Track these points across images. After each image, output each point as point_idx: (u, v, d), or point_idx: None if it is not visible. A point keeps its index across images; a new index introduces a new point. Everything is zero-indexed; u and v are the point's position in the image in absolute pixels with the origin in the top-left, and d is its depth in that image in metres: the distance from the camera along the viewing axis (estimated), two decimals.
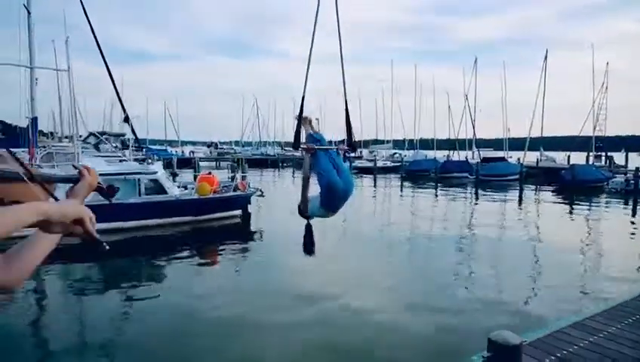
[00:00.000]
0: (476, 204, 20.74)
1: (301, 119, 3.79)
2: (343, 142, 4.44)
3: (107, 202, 1.49)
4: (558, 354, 3.48)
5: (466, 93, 39.69)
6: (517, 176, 28.12)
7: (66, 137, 32.64)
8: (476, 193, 24.63)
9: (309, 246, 3.77)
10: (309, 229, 3.77)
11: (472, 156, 36.97)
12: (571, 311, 5.70)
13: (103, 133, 21.24)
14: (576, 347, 3.62)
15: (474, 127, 39.06)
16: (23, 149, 17.33)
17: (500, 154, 36.88)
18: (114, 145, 19.35)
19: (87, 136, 20.49)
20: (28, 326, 6.13)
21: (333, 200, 3.62)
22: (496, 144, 44.64)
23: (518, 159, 34.31)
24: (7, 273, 0.96)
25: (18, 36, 14.62)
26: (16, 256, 1.00)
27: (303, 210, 3.79)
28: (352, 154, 5.06)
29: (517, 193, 23.80)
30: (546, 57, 35.82)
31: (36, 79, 15.54)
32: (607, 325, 4.08)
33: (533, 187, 27.06)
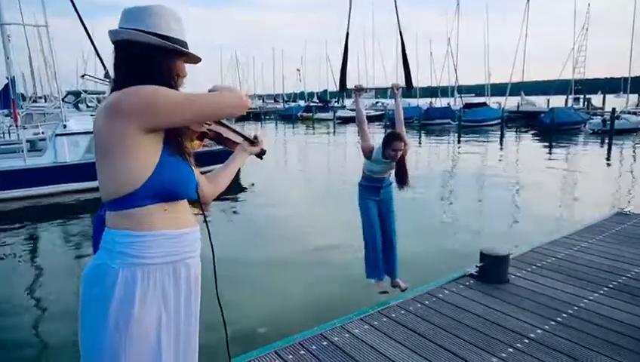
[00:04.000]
0: (459, 148, 21.30)
1: (346, 59, 3.89)
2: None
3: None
4: (538, 264, 3.97)
5: (448, 37, 39.43)
6: (498, 121, 28.63)
7: (40, 97, 31.58)
8: (459, 138, 25.17)
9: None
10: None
11: (455, 103, 37.30)
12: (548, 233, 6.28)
13: (79, 93, 20.77)
14: (553, 258, 4.12)
15: (456, 73, 39.13)
16: None
17: (481, 100, 37.27)
18: (93, 104, 18.96)
19: (66, 95, 19.98)
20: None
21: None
22: (478, 90, 45.01)
23: (499, 104, 34.80)
24: (213, 189, 1.51)
25: None
26: (215, 177, 1.54)
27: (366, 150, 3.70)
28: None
29: (498, 137, 24.41)
30: (528, 0, 35.56)
31: (8, 36, 14.94)
32: (580, 241, 4.59)
33: (514, 131, 27.71)
